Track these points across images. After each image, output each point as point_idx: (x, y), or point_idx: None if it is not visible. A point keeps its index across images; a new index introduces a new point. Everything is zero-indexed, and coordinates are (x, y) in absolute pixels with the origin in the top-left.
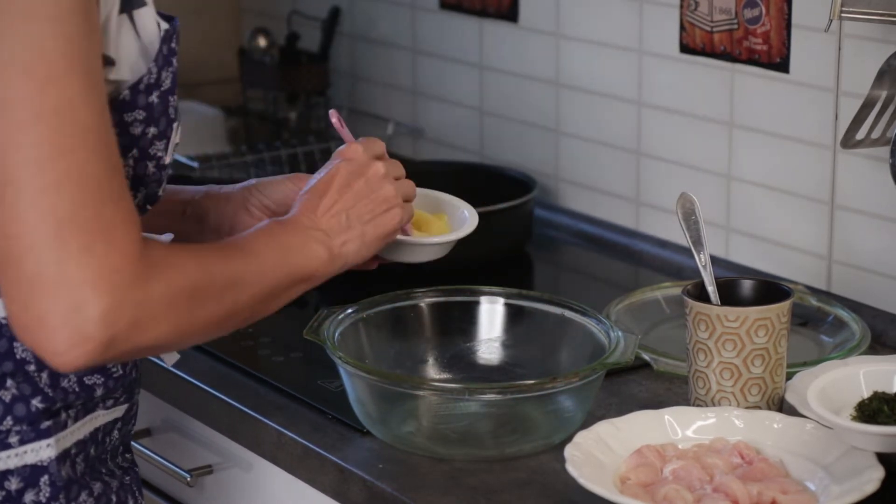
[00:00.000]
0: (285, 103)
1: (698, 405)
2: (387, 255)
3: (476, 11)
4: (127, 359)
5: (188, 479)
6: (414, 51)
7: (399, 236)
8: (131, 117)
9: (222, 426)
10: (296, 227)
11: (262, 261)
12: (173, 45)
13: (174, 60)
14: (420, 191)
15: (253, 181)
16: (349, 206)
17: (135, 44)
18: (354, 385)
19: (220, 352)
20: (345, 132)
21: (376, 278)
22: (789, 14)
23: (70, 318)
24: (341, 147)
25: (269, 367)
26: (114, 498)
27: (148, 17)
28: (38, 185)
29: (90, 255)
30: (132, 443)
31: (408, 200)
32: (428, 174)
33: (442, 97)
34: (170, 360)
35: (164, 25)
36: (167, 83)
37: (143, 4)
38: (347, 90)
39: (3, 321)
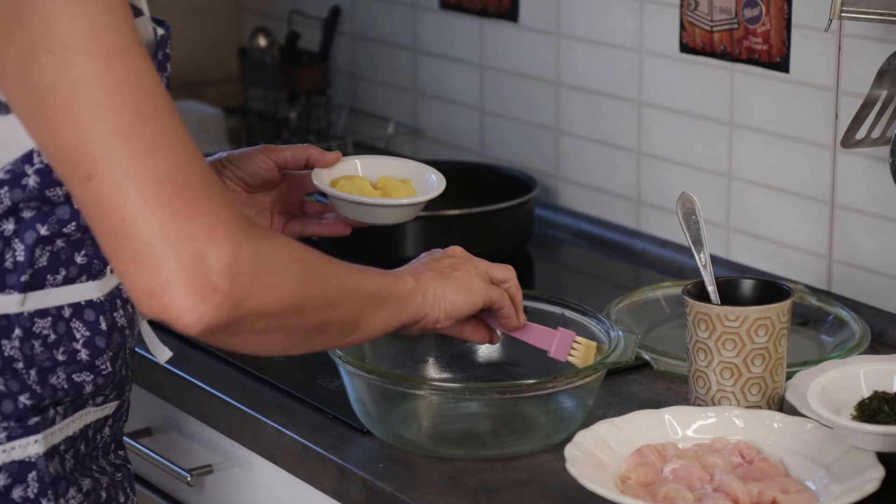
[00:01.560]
0: (286, 103)
1: (698, 405)
2: (356, 217)
3: (476, 11)
4: (249, 327)
5: (188, 478)
6: (414, 50)
7: (367, 198)
8: None
9: (222, 426)
10: (389, 277)
11: (363, 273)
12: (167, 50)
13: (168, 66)
14: (388, 158)
15: (224, 153)
16: (454, 266)
17: None
18: (354, 384)
19: (220, 351)
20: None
21: None
22: (789, 13)
23: (194, 271)
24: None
25: (269, 367)
26: (104, 494)
27: (145, 25)
28: (130, 152)
29: (197, 209)
30: (125, 440)
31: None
32: None
33: (442, 97)
34: (162, 356)
35: (160, 31)
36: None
37: (141, 14)
38: (348, 90)
39: None
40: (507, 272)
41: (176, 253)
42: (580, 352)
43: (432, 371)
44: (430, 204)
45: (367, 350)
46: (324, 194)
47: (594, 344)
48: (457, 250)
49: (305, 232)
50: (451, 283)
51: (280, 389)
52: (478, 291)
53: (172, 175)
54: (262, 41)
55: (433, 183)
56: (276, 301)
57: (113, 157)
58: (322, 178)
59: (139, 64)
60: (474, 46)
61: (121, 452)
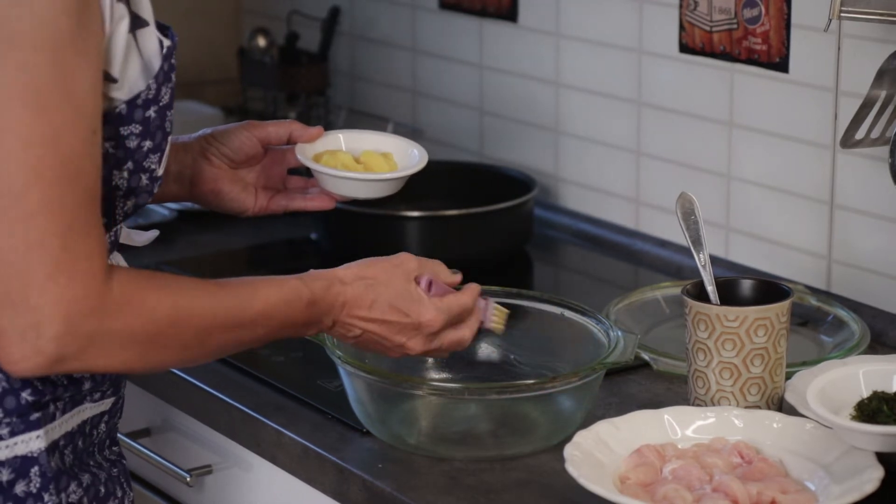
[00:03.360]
0: (285, 103)
1: (698, 405)
2: (338, 191)
3: (476, 11)
4: (78, 373)
5: (188, 478)
6: (414, 50)
7: (349, 172)
8: (127, 131)
9: (222, 426)
10: (314, 312)
11: (247, 332)
12: (173, 61)
13: (173, 76)
14: (371, 133)
15: (208, 130)
16: (379, 329)
17: (138, 62)
18: (354, 385)
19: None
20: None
21: None
22: (789, 14)
23: (26, 335)
24: (428, 314)
25: (268, 367)
26: (102, 489)
27: (150, 36)
28: (14, 212)
29: (53, 283)
30: (120, 437)
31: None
32: (427, 174)
33: (442, 97)
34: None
35: (167, 43)
36: (166, 98)
37: (146, 24)
38: (347, 90)
39: None
40: (443, 350)
41: (15, 314)
42: (498, 317)
43: (431, 371)
44: (430, 204)
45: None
46: (307, 169)
47: (506, 310)
48: (434, 316)
49: (291, 206)
50: (363, 345)
51: (280, 390)
52: (392, 356)
53: (42, 243)
54: (262, 41)
55: (415, 157)
56: (103, 368)
57: (1, 211)
58: (305, 153)
59: (66, 122)
60: (474, 47)
61: (115, 448)
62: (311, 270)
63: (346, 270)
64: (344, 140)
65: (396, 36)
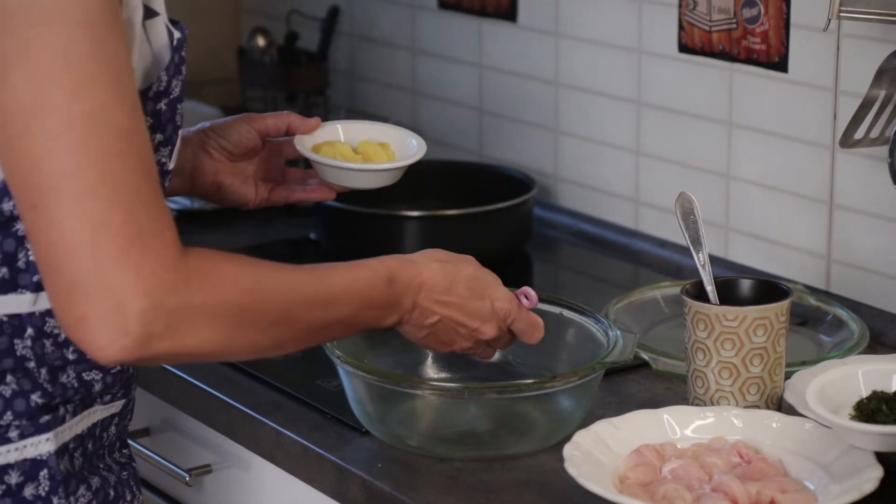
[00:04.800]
0: (284, 103)
1: (697, 404)
2: (338, 182)
3: (475, 11)
4: (167, 361)
5: (187, 478)
6: (413, 50)
7: (348, 163)
8: None
9: (221, 426)
10: (394, 291)
11: (331, 310)
12: (183, 53)
13: (183, 69)
14: (369, 123)
15: (207, 123)
16: (456, 313)
17: (148, 54)
18: (353, 384)
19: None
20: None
21: None
22: (788, 13)
23: (110, 316)
24: (500, 297)
25: (267, 367)
26: (112, 493)
27: (160, 27)
28: (73, 192)
29: (126, 258)
30: (129, 440)
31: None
32: (426, 173)
33: (441, 97)
34: None
35: (177, 35)
36: (176, 91)
37: (156, 14)
38: (346, 90)
39: (4, 318)
40: (490, 350)
41: (94, 297)
42: None
43: (430, 371)
44: (429, 204)
45: (364, 349)
46: (306, 160)
47: None
48: (497, 322)
49: (292, 198)
50: (428, 341)
51: (279, 389)
52: (456, 348)
53: (108, 221)
54: (261, 41)
55: (414, 147)
56: (194, 347)
57: (56, 193)
58: (304, 144)
59: (109, 98)
60: (473, 46)
61: (125, 451)
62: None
63: (415, 254)
64: (342, 131)
65: (396, 35)
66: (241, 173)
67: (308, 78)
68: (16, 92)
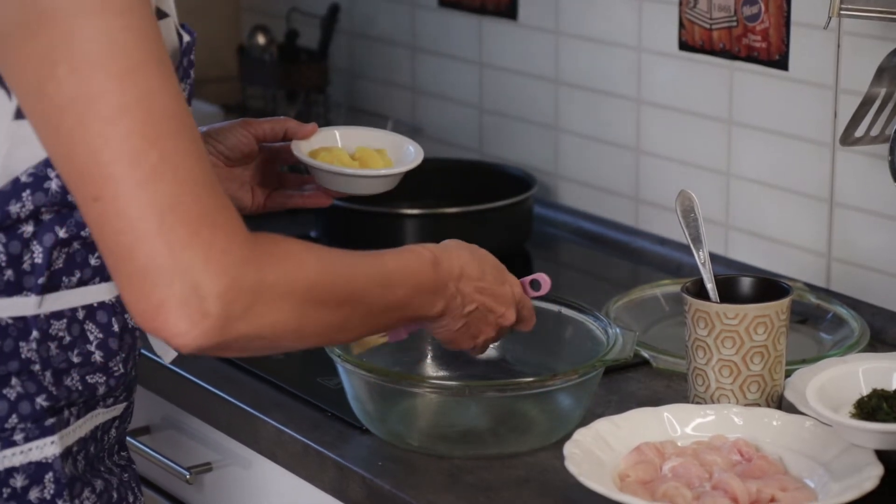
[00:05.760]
0: (285, 101)
1: (697, 402)
2: (335, 187)
3: (475, 9)
4: (242, 346)
5: (187, 476)
6: (413, 48)
7: (346, 168)
8: None
9: (221, 424)
10: (439, 276)
11: (390, 292)
12: (192, 57)
13: (192, 72)
14: (366, 129)
15: (203, 129)
16: (489, 300)
17: None
18: (352, 383)
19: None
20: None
21: None
22: (788, 11)
23: (188, 300)
24: (514, 282)
25: (267, 365)
26: (115, 495)
27: (170, 28)
28: (135, 178)
29: (199, 239)
30: (130, 438)
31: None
32: (427, 172)
33: (441, 95)
34: (167, 357)
35: (186, 38)
36: (185, 94)
37: (167, 15)
38: (347, 88)
39: (9, 321)
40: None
41: (170, 281)
42: None
43: (430, 368)
44: (429, 202)
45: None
46: (302, 165)
47: None
48: (488, 274)
49: (288, 204)
50: (465, 329)
51: (279, 387)
52: (480, 341)
53: (174, 203)
54: (261, 39)
55: (411, 154)
56: (270, 328)
57: (118, 181)
58: (301, 150)
59: (156, 82)
60: (473, 44)
61: (124, 454)
62: None
63: (443, 243)
64: (340, 137)
65: (396, 33)
66: (237, 179)
67: (308, 76)
68: (65, 85)
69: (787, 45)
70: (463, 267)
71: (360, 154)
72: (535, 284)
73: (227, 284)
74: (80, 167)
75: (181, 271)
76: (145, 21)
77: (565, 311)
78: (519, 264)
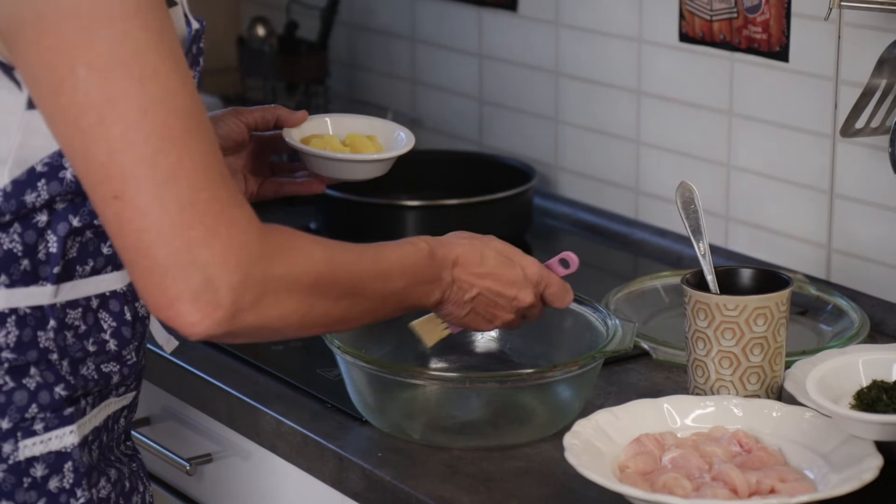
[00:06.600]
0: (284, 92)
1: (697, 394)
2: (327, 173)
3: (475, 0)
4: (250, 335)
5: (187, 467)
6: (413, 40)
7: (338, 154)
8: None
9: (221, 415)
10: (435, 265)
11: (389, 284)
12: (201, 45)
13: (201, 60)
14: (357, 117)
15: None
16: (493, 284)
17: None
18: (352, 374)
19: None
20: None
21: None
22: (789, 3)
23: (202, 294)
24: (529, 264)
25: (267, 356)
26: (127, 484)
27: (178, 17)
28: (155, 177)
29: (215, 236)
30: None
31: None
32: (427, 163)
33: (441, 86)
34: (168, 346)
35: (195, 25)
36: (194, 82)
37: (174, 3)
38: (346, 79)
39: (27, 311)
40: (532, 316)
41: (187, 276)
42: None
43: (429, 361)
44: (429, 193)
45: (364, 339)
46: (294, 153)
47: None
48: (529, 288)
49: (281, 191)
50: (467, 320)
51: (279, 378)
52: (498, 324)
53: (193, 200)
54: (261, 30)
55: (402, 140)
56: (276, 318)
57: (139, 180)
58: (293, 137)
59: (174, 81)
60: (473, 36)
61: (129, 443)
62: None
63: (442, 236)
64: (331, 124)
65: (396, 25)
66: (229, 167)
67: (308, 67)
68: (85, 85)
69: (788, 37)
70: (459, 255)
71: (351, 140)
72: (565, 263)
73: (241, 279)
74: (100, 166)
75: (199, 267)
76: (161, 20)
77: None
78: None
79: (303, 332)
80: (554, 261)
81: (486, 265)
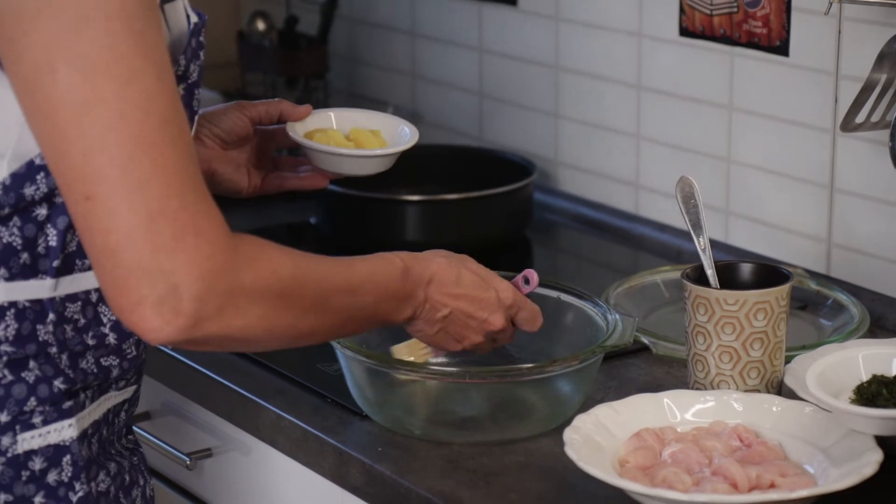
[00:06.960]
0: (284, 87)
1: (697, 388)
2: (330, 168)
3: None
4: (214, 343)
5: (188, 462)
6: (413, 34)
7: (342, 149)
8: None
9: (222, 410)
10: (409, 283)
11: (358, 298)
12: (201, 38)
13: (202, 54)
14: (361, 111)
15: (199, 112)
16: (466, 305)
17: (167, 37)
18: (352, 369)
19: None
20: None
21: None
22: None
23: (165, 300)
24: (503, 288)
25: (268, 351)
26: (127, 478)
27: (178, 11)
28: (127, 181)
29: (182, 244)
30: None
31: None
32: (427, 158)
33: (441, 81)
34: None
35: (194, 18)
36: (194, 76)
37: None
38: (346, 74)
39: (26, 304)
40: (504, 339)
41: (152, 282)
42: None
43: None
44: (429, 188)
45: (365, 334)
46: (297, 147)
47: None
48: (501, 306)
49: (284, 186)
50: (439, 338)
51: (279, 373)
52: (466, 344)
53: (163, 207)
54: (261, 25)
55: (406, 135)
56: (240, 329)
57: (111, 183)
58: (297, 131)
59: (154, 86)
60: (473, 30)
61: (130, 437)
62: None
63: (419, 252)
64: (334, 118)
65: (396, 19)
66: (233, 161)
67: (308, 62)
68: (64, 85)
69: (788, 31)
70: (434, 273)
71: (355, 135)
72: (527, 280)
73: (204, 288)
74: (74, 166)
75: (164, 274)
76: (146, 24)
77: (565, 297)
78: (519, 251)
79: (270, 344)
80: (519, 278)
81: (461, 286)
